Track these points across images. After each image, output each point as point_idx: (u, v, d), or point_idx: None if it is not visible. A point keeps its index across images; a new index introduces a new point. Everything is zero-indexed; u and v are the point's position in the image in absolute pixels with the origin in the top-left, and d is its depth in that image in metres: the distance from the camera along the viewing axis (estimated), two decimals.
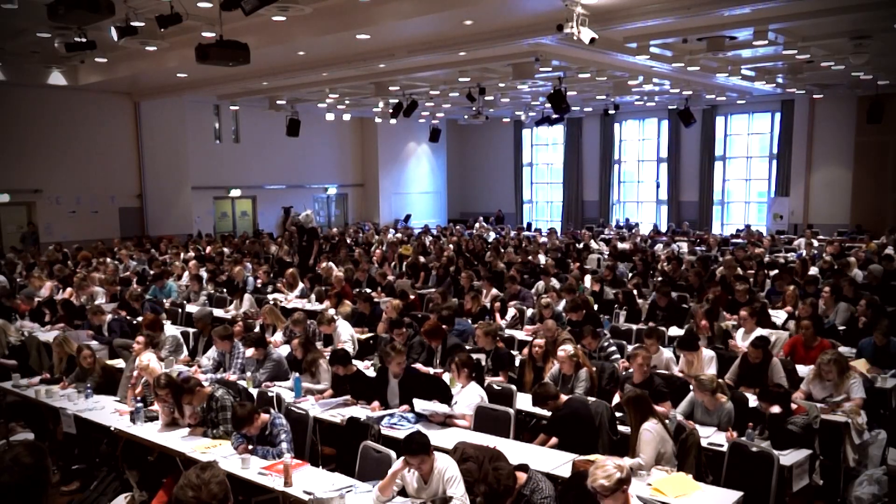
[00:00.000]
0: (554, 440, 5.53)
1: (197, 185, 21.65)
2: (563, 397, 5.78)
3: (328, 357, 7.01)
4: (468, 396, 6.00)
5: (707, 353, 7.03)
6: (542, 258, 14.84)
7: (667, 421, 5.31)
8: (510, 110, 24.87)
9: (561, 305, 9.54)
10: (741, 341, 7.89)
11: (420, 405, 5.93)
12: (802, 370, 6.88)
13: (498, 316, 9.92)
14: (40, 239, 17.94)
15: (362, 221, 25.97)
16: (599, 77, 15.86)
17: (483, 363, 7.27)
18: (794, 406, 5.56)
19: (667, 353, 7.20)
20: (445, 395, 6.16)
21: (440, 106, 22.31)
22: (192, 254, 16.15)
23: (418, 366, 7.27)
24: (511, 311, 10.01)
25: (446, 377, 6.59)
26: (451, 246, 17.19)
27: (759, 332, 7.74)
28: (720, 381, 5.96)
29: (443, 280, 12.66)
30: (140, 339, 7.56)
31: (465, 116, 23.01)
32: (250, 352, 7.41)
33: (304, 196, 24.82)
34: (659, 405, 5.62)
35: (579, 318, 8.59)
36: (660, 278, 12.33)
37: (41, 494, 2.88)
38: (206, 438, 5.65)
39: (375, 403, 6.29)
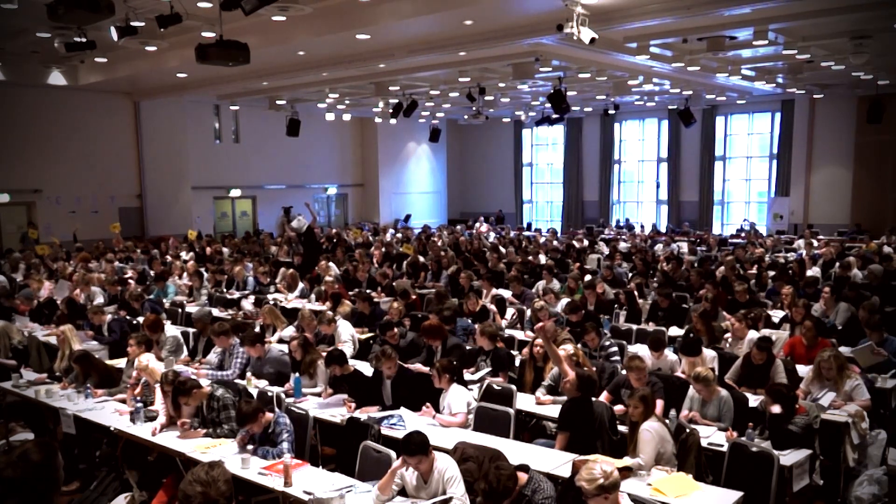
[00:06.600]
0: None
1: (197, 185, 21.66)
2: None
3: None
4: (455, 397, 5.97)
5: (709, 353, 7.02)
6: (542, 258, 14.84)
7: (667, 421, 5.31)
8: (510, 110, 24.86)
9: (560, 306, 9.53)
10: (733, 348, 7.79)
11: (408, 417, 5.94)
12: (802, 370, 6.88)
13: (498, 315, 9.91)
14: (40, 239, 17.92)
15: (362, 222, 25.94)
16: (599, 77, 15.86)
17: (485, 363, 7.29)
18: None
19: (671, 356, 7.16)
20: (433, 395, 6.13)
21: (440, 106, 22.31)
22: (191, 253, 16.14)
23: (418, 366, 7.26)
24: (510, 311, 10.01)
25: None
26: (448, 249, 17.15)
27: (753, 334, 7.60)
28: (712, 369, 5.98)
29: (437, 276, 12.80)
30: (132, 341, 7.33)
31: (465, 116, 23.01)
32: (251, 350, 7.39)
33: (305, 196, 24.70)
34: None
35: (578, 318, 8.58)
36: (656, 278, 12.28)
37: (50, 492, 2.87)
38: (207, 438, 5.64)
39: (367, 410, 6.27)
